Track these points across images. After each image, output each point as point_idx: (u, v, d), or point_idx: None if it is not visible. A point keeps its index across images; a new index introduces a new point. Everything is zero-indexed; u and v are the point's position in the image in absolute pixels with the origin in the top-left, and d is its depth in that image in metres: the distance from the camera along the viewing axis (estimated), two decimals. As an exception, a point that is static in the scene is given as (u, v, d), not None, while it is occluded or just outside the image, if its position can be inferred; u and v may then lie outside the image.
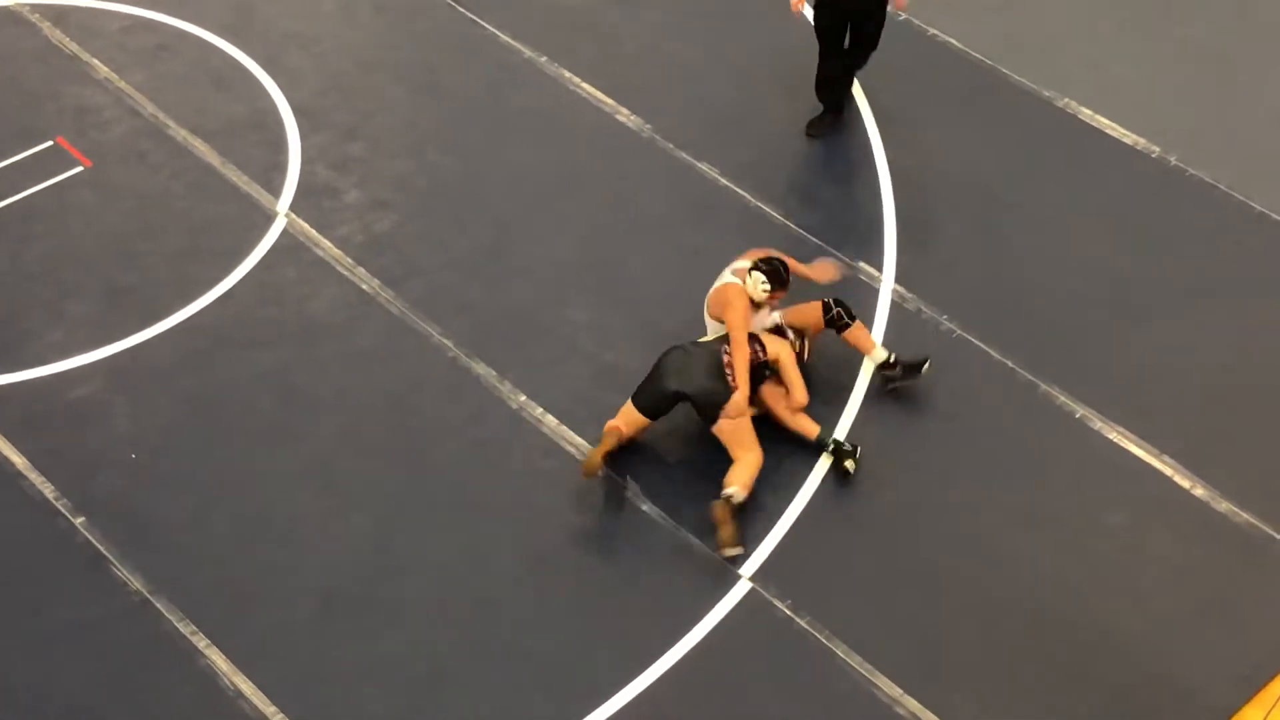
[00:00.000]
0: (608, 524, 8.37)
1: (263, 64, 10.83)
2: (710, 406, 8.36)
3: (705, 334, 8.82)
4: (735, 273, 8.76)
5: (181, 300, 9.37)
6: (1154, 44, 11.07)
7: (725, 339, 8.52)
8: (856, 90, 10.65)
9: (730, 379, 8.38)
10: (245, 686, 7.67)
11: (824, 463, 8.56)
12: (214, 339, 9.20)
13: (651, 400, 8.46)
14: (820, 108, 10.41)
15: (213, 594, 8.03)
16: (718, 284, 8.76)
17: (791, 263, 8.83)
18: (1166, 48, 11.04)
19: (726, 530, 8.12)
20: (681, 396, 8.42)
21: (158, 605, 7.96)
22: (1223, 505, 8.38)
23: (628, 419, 8.49)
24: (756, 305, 8.66)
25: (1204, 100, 10.66)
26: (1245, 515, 8.33)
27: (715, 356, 8.45)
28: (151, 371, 9.02)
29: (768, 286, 8.63)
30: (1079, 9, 11.33)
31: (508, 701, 7.65)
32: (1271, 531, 8.25)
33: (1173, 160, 10.21)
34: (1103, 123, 10.46)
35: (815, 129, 10.40)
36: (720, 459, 8.55)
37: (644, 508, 8.40)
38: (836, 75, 10.28)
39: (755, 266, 8.67)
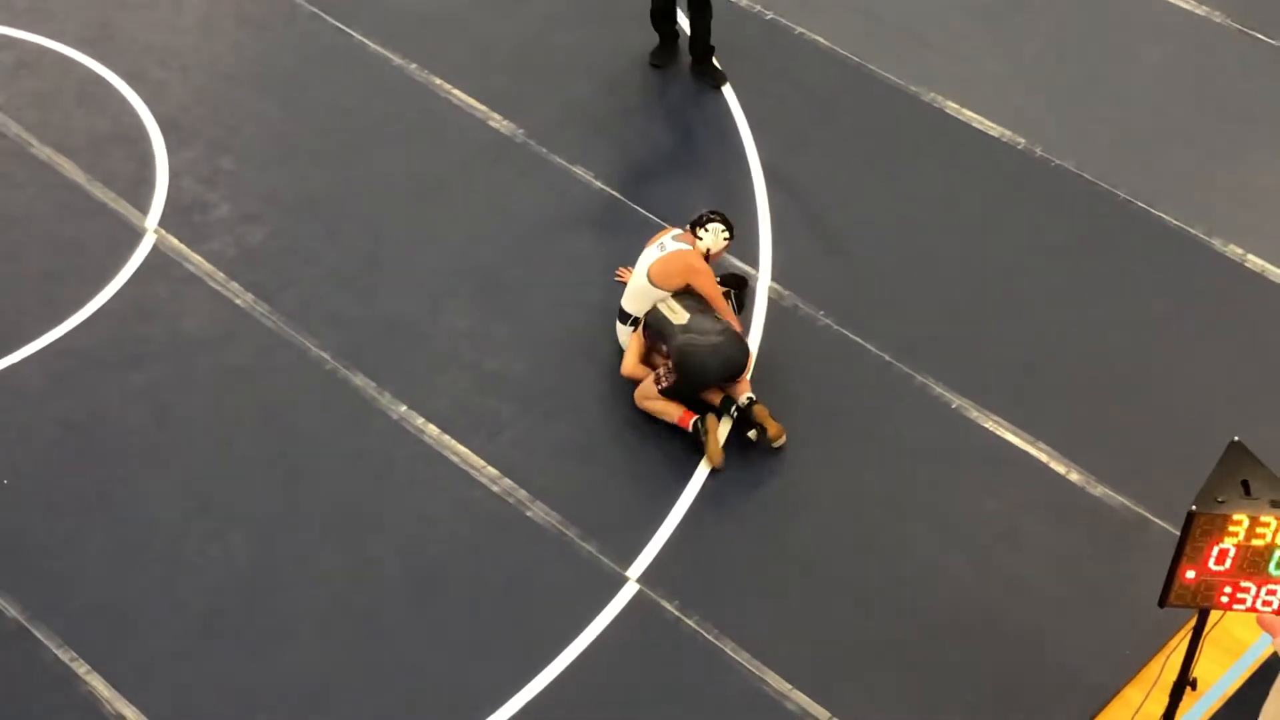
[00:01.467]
0: (493, 532, 8.34)
1: (126, 78, 10.66)
2: (741, 370, 8.70)
3: (620, 322, 8.95)
4: (680, 239, 8.78)
5: (50, 321, 9.19)
6: (1016, 37, 11.24)
7: (703, 307, 8.74)
8: (729, 93, 10.70)
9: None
10: (129, 713, 7.54)
11: (705, 464, 8.59)
12: (84, 360, 9.03)
13: (695, 395, 8.66)
14: (657, 38, 10.82)
15: (92, 619, 7.88)
16: (663, 255, 8.77)
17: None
18: (1029, 40, 11.22)
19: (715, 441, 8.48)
20: (724, 377, 8.66)
21: (35, 633, 7.81)
22: (1098, 489, 8.54)
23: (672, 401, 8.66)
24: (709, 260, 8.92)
25: (1067, 91, 10.85)
26: (1120, 498, 8.49)
27: (723, 324, 8.69)
28: (21, 395, 8.84)
29: (727, 234, 8.93)
30: (941, 4, 11.48)
31: (394, 715, 7.59)
32: (1146, 514, 8.42)
33: (1038, 151, 10.38)
34: (969, 116, 10.61)
35: (657, 59, 10.81)
36: (609, 463, 8.56)
37: (528, 514, 8.38)
38: (668, 6, 10.64)
39: (708, 219, 8.89)
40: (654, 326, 8.77)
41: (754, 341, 9.19)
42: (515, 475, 8.54)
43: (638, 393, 8.78)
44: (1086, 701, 7.69)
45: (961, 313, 9.43)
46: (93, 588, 8.02)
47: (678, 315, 8.71)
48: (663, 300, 8.77)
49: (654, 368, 8.80)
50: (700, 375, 8.59)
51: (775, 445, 8.63)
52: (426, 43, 11.00)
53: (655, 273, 8.76)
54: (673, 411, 8.65)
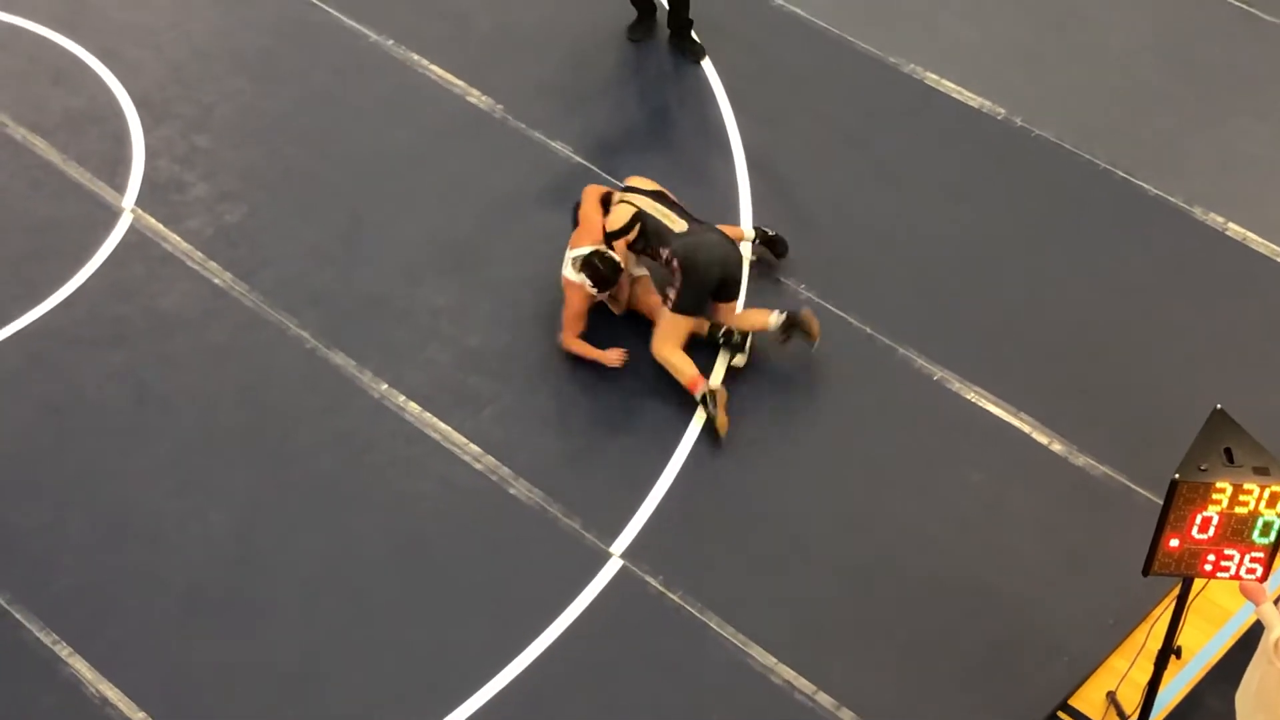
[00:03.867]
0: (476, 509, 8.31)
1: (100, 57, 10.58)
2: (739, 271, 8.85)
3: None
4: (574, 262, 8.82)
5: (27, 302, 9.13)
6: (995, 6, 11.20)
7: (698, 217, 8.91)
8: (708, 66, 10.66)
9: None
10: (111, 693, 7.51)
11: (689, 438, 8.57)
12: (63, 340, 8.98)
13: (701, 299, 8.72)
14: (635, 13, 10.80)
15: (72, 600, 7.85)
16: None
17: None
18: (1007, 10, 11.18)
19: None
20: (725, 281, 8.73)
21: (15, 615, 7.77)
22: (1080, 459, 8.54)
23: (684, 342, 8.71)
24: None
25: (1046, 60, 10.82)
26: (1103, 468, 8.49)
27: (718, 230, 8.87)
28: (-2, 377, 8.80)
29: (594, 291, 8.77)
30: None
31: (381, 694, 7.58)
32: (1128, 483, 8.42)
33: (1018, 121, 10.36)
34: (948, 86, 10.58)
35: (634, 33, 10.78)
36: (592, 439, 8.55)
37: (511, 491, 8.36)
38: None
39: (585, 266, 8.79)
40: (653, 232, 8.78)
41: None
42: (497, 452, 8.51)
43: (656, 340, 8.76)
44: (1071, 670, 7.70)
45: (943, 285, 9.41)
46: (73, 569, 7.98)
47: (676, 224, 8.78)
48: (663, 214, 8.82)
49: (663, 295, 8.84)
50: (705, 273, 8.64)
51: (813, 345, 8.85)
52: (402, 18, 10.94)
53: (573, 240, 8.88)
54: (686, 371, 8.68)
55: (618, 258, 8.74)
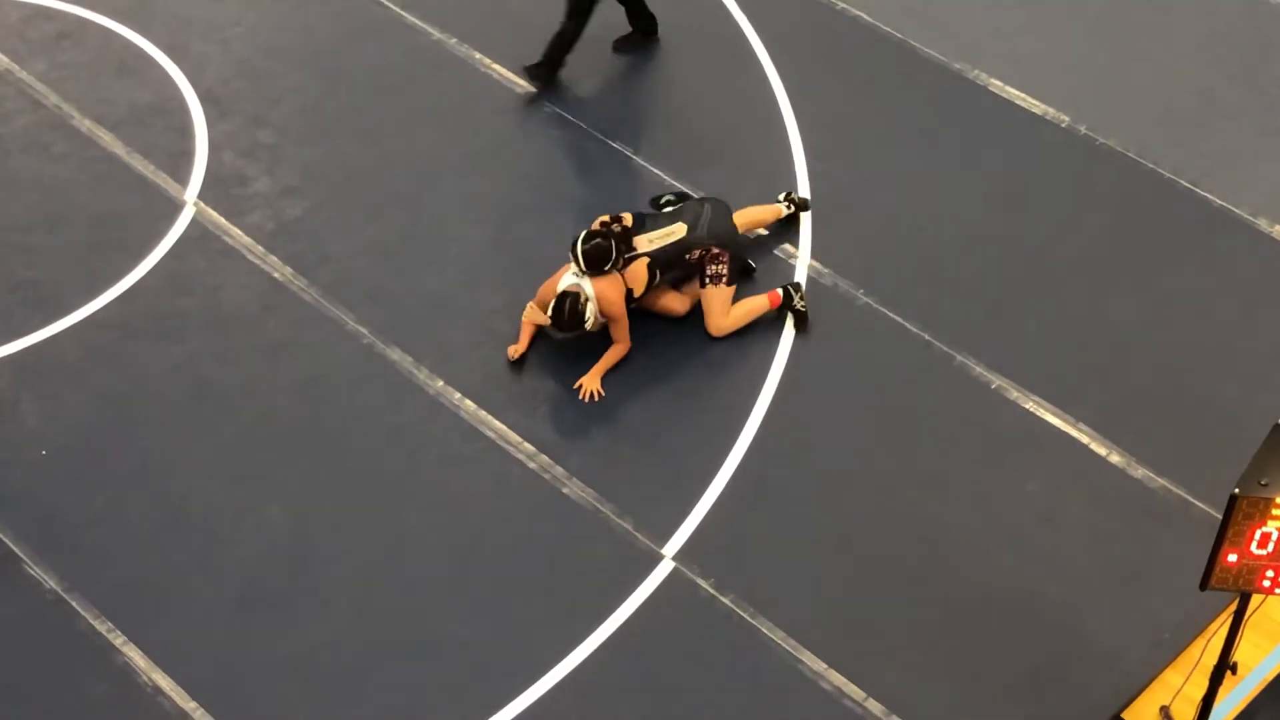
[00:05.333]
0: (529, 508, 8.32)
1: (166, 51, 10.67)
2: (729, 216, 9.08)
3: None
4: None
5: (89, 293, 9.22)
6: (1062, 14, 11.12)
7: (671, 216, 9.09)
8: (767, 64, 10.62)
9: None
10: (164, 683, 7.57)
11: (743, 440, 8.55)
12: (123, 332, 9.05)
13: (746, 257, 9.16)
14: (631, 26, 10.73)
15: (128, 590, 7.91)
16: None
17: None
18: (1074, 17, 11.10)
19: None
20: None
21: (72, 603, 7.84)
22: (1139, 471, 8.45)
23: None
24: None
25: (1112, 69, 10.73)
26: (1161, 480, 8.41)
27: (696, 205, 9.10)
28: (60, 367, 8.87)
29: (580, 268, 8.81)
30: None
31: (432, 691, 7.60)
32: (1187, 496, 8.33)
33: (1082, 129, 10.28)
34: (1012, 93, 10.51)
35: (621, 45, 10.69)
36: (646, 440, 8.54)
37: (564, 490, 8.36)
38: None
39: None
40: (671, 257, 8.89)
41: (792, 319, 9.12)
42: (551, 452, 8.52)
43: (714, 321, 8.92)
44: (1124, 683, 7.63)
45: (1003, 292, 9.35)
46: (130, 559, 8.05)
47: (678, 230, 8.94)
48: (661, 237, 8.93)
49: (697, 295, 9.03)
50: (732, 231, 9.00)
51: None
52: (465, 16, 10.97)
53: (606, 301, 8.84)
54: (758, 304, 8.94)
55: (589, 312, 8.75)
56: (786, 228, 9.59)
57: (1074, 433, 8.63)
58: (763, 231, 9.50)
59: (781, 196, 9.61)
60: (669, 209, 9.22)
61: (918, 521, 8.27)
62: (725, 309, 8.96)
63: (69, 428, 8.61)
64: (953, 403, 8.79)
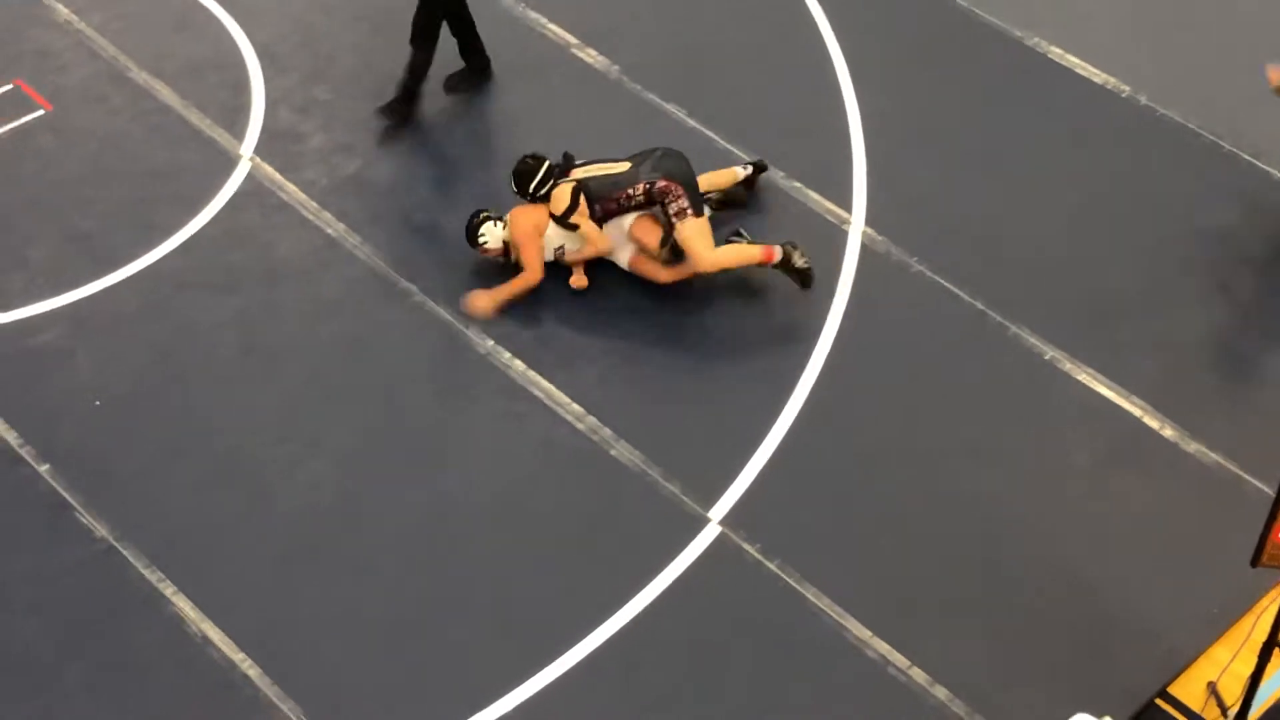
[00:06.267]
0: (576, 469, 8.33)
1: (223, 4, 10.68)
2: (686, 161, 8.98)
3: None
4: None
5: (144, 245, 9.27)
6: (1125, -18, 11.00)
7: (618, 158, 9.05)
8: (825, 27, 10.55)
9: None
10: (213, 633, 7.63)
11: (793, 405, 8.52)
12: (177, 284, 9.10)
13: (699, 194, 8.91)
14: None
15: (178, 541, 7.98)
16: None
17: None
18: (1137, -14, 10.98)
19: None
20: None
21: (123, 552, 7.91)
22: (1192, 446, 8.38)
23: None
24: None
25: (1174, 39, 10.60)
26: (1214, 455, 8.33)
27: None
28: (114, 318, 8.93)
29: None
30: (1049, -53, 11.24)
31: (475, 647, 7.63)
32: (1240, 471, 8.26)
33: (1143, 100, 10.16)
34: (1072, 61, 10.40)
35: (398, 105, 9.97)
36: (695, 403, 8.53)
37: (612, 452, 8.37)
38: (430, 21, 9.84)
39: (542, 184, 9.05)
40: (602, 187, 8.88)
41: (844, 286, 9.09)
42: (600, 413, 8.52)
43: (698, 257, 8.80)
44: (1171, 659, 7.58)
45: (1058, 263, 9.27)
46: (180, 510, 8.11)
47: (620, 165, 8.96)
48: (600, 170, 8.96)
49: (658, 245, 8.92)
50: (688, 174, 8.85)
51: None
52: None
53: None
54: (750, 252, 8.84)
55: (487, 231, 9.01)
56: (839, 191, 9.53)
57: (1127, 405, 8.56)
58: (713, 195, 9.32)
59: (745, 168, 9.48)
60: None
61: (965, 492, 8.23)
62: (705, 240, 8.81)
63: (122, 378, 8.67)
64: (1005, 373, 8.73)
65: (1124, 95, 10.20)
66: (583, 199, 8.89)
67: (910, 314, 8.97)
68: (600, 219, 8.95)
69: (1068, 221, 9.50)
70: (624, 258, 9.06)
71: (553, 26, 10.62)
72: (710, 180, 9.30)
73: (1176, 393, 8.60)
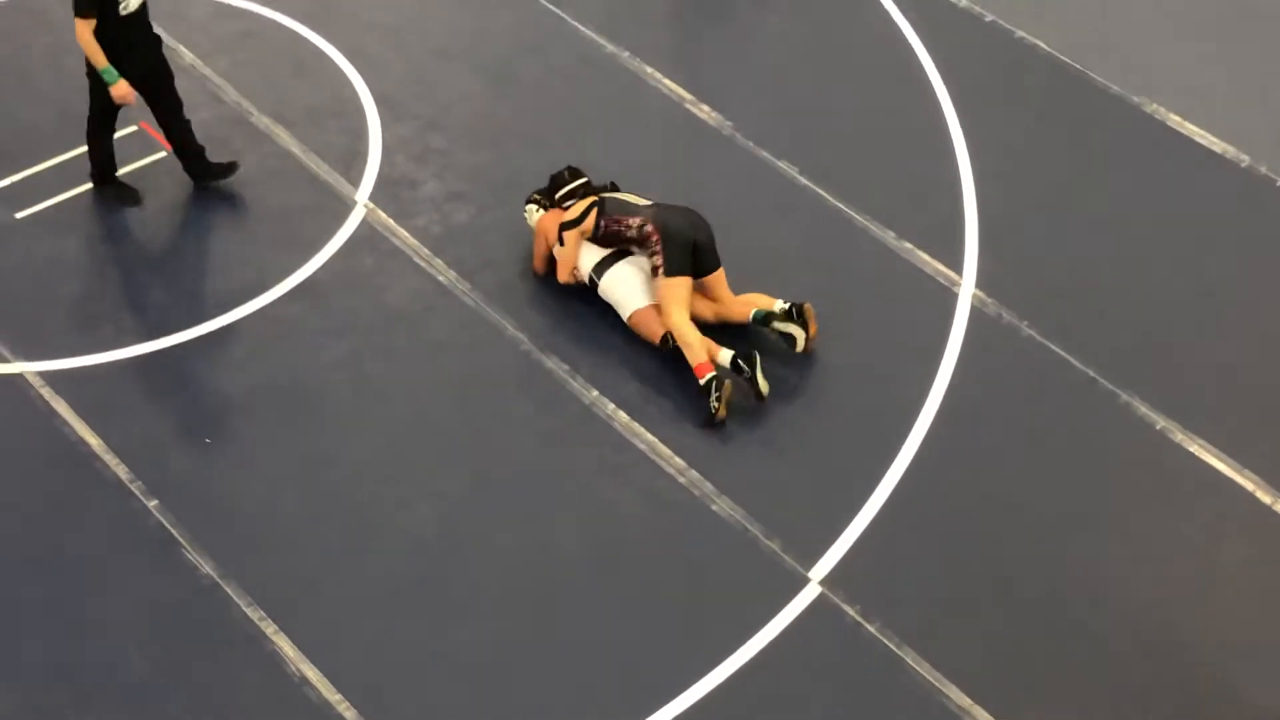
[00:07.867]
0: (676, 522, 8.31)
1: (345, 53, 10.86)
2: (709, 232, 9.04)
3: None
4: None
5: (259, 287, 9.40)
6: (1244, 51, 10.87)
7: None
8: (939, 88, 10.52)
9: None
10: (311, 674, 7.68)
11: (898, 467, 8.46)
12: (289, 326, 9.22)
13: (684, 252, 8.91)
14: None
15: (281, 580, 8.05)
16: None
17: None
18: (1256, 55, 10.84)
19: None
20: (699, 245, 8.96)
21: (227, 589, 7.99)
22: (1305, 522, 8.23)
23: (687, 316, 8.85)
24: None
25: (1296, 109, 10.47)
26: (1328, 533, 8.17)
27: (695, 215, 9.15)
28: (227, 358, 9.06)
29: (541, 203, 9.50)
30: (1167, 13, 11.15)
31: (573, 695, 7.62)
32: (1355, 551, 8.09)
33: (1262, 169, 10.03)
34: (1190, 129, 10.29)
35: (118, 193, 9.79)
36: (798, 461, 8.49)
37: (713, 507, 8.34)
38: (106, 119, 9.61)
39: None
40: (614, 208, 9.10)
41: (953, 348, 9.02)
42: (702, 467, 8.50)
43: (664, 312, 8.89)
44: (1280, 741, 7.42)
45: (1171, 331, 9.15)
46: (284, 549, 8.19)
47: (640, 200, 9.15)
48: (624, 196, 9.22)
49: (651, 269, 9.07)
50: (679, 232, 8.91)
51: (799, 349, 8.93)
52: (637, 31, 11.02)
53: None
54: (696, 348, 8.78)
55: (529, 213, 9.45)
56: (950, 253, 9.46)
57: (1239, 479, 8.41)
58: (706, 319, 9.12)
59: (787, 304, 9.03)
60: None
61: (1071, 560, 8.11)
62: (670, 302, 8.86)
63: (234, 418, 8.78)
64: (1115, 442, 8.61)
65: (1243, 165, 10.07)
66: (591, 217, 9.13)
67: (1020, 378, 8.88)
68: (601, 236, 9.16)
69: (1183, 290, 9.38)
70: (626, 312, 9.10)
71: (668, 82, 10.69)
72: (742, 301, 9.10)
73: (1291, 468, 8.44)
